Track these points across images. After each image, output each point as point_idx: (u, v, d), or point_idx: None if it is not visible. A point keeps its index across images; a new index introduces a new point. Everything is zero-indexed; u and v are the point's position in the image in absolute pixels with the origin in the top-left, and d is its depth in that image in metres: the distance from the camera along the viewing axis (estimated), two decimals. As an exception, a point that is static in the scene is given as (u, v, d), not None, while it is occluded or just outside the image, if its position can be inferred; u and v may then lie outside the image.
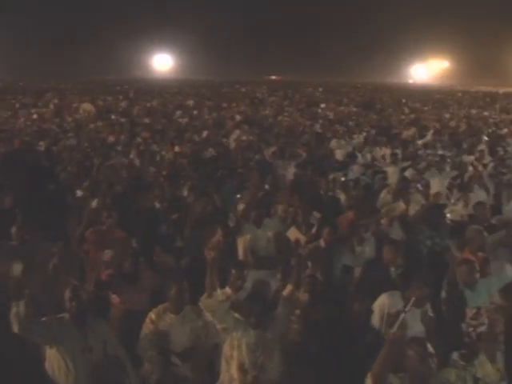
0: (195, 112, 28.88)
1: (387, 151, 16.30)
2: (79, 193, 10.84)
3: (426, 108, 36.45)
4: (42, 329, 5.45)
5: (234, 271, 6.58)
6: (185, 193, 11.16)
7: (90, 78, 62.09)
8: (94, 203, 9.84)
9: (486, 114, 33.22)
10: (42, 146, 16.05)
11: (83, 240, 8.33)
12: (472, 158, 15.80)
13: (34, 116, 24.98)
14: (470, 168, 14.03)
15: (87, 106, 27.95)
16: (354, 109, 34.43)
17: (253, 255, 8.63)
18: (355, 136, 19.95)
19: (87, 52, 68.45)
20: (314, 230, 8.88)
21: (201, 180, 11.98)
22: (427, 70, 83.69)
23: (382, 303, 6.54)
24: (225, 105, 34.09)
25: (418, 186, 11.51)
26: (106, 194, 10.37)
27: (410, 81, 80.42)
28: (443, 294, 7.19)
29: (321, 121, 25.80)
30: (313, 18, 77.24)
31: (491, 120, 28.62)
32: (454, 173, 13.54)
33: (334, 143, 18.16)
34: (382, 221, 9.50)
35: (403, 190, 10.86)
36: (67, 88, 47.20)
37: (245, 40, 77.06)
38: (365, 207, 9.65)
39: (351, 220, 9.13)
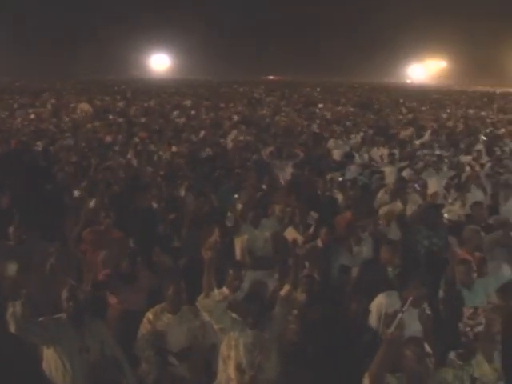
0: (193, 112, 28.86)
1: (385, 151, 16.30)
2: (76, 193, 10.83)
3: (423, 108, 36.47)
4: (39, 329, 5.44)
5: (231, 271, 6.57)
6: (182, 193, 11.15)
7: (88, 77, 62.06)
8: (92, 203, 9.84)
9: (483, 114, 33.25)
10: (39, 146, 16.04)
11: (80, 240, 8.33)
12: (469, 157, 15.81)
13: (32, 116, 24.95)
14: (468, 168, 14.04)
15: (84, 106, 27.94)
16: (352, 109, 34.43)
17: (250, 255, 8.62)
18: (352, 136, 19.95)
19: (84, 52, 68.39)
20: (311, 230, 8.88)
21: (198, 180, 11.97)
22: (425, 70, 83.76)
23: (380, 303, 6.54)
24: (222, 105, 34.08)
25: (416, 185, 11.51)
26: (103, 194, 10.36)
27: (408, 81, 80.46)
28: (441, 293, 7.20)
29: (318, 121, 25.79)
30: (310, 19, 77.30)
31: (488, 120, 28.64)
32: (452, 173, 13.55)
33: (331, 143, 18.15)
34: (380, 221, 9.52)
35: (400, 190, 10.86)
36: (65, 88, 47.16)
37: (242, 40, 77.12)
38: (362, 207, 9.66)
39: (349, 220, 9.13)
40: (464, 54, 68.84)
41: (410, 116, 30.06)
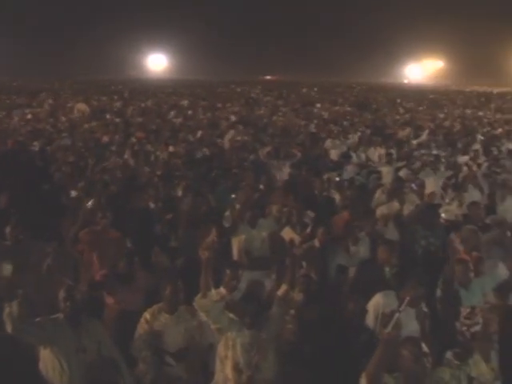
0: (190, 112, 28.84)
1: (382, 151, 16.31)
2: (73, 193, 10.81)
3: (420, 108, 36.48)
4: (35, 329, 5.43)
5: (228, 271, 6.58)
6: (179, 193, 11.14)
7: (85, 77, 62.00)
8: (89, 203, 9.82)
9: (480, 113, 33.28)
10: (36, 146, 16.01)
11: (77, 240, 8.32)
12: (466, 157, 15.83)
13: (29, 116, 24.91)
14: (465, 168, 14.06)
15: (81, 106, 27.88)
16: (349, 109, 34.43)
17: (247, 255, 8.64)
18: (350, 136, 19.95)
19: (82, 52, 68.32)
20: (308, 230, 8.88)
21: (195, 180, 11.96)
22: (422, 70, 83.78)
23: (377, 303, 6.55)
24: (219, 105, 34.05)
25: (413, 185, 11.53)
26: (100, 194, 10.35)
27: (405, 81, 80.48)
28: (438, 292, 7.22)
29: (315, 121, 25.79)
30: (308, 19, 77.29)
31: (486, 120, 28.67)
32: (449, 173, 13.57)
33: (328, 143, 18.14)
34: (378, 222, 9.52)
35: (398, 189, 10.88)
36: (62, 88, 47.10)
37: (240, 40, 77.07)
38: (359, 207, 9.67)
39: (346, 220, 9.14)
40: (461, 53, 68.87)
41: (407, 116, 30.07)
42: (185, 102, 34.98)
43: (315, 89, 54.03)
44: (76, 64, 67.53)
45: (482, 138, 20.47)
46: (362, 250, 8.50)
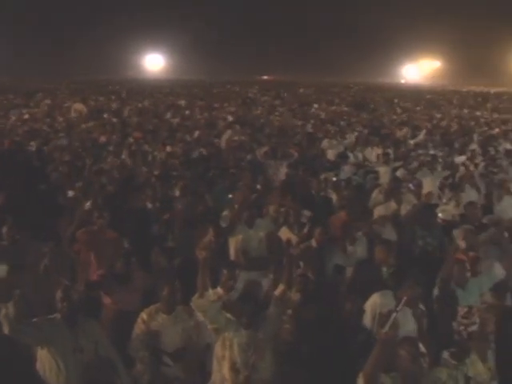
0: (187, 112, 28.81)
1: (379, 151, 16.31)
2: (70, 193, 10.79)
3: (417, 108, 36.48)
4: (32, 329, 5.42)
5: (225, 271, 6.57)
6: (176, 193, 11.13)
7: (82, 78, 61.90)
8: (87, 204, 9.81)
9: (477, 113, 33.28)
10: (33, 146, 15.99)
11: (74, 240, 8.31)
12: (463, 157, 15.84)
13: (26, 116, 24.86)
14: (462, 168, 14.06)
15: (79, 106, 27.83)
16: (346, 108, 34.42)
17: (244, 255, 8.63)
18: (347, 136, 19.94)
19: (79, 52, 68.20)
20: (305, 230, 8.88)
21: (192, 180, 11.95)
22: (419, 70, 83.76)
23: (374, 303, 6.55)
24: (217, 105, 34.02)
25: (410, 185, 11.53)
26: (97, 194, 10.34)
27: (402, 81, 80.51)
28: (435, 292, 7.22)
29: (312, 121, 25.78)
30: (305, 19, 77.24)
31: (483, 120, 28.66)
32: (446, 172, 13.56)
33: (325, 143, 18.14)
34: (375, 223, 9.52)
35: (395, 189, 10.87)
36: (59, 88, 47.00)
37: (237, 40, 76.93)
38: (356, 207, 9.67)
39: (343, 221, 9.14)
40: (458, 54, 68.86)
41: (404, 116, 30.08)
42: (182, 102, 34.93)
43: (312, 89, 53.99)
44: (73, 64, 67.39)
45: (479, 137, 20.49)
46: (360, 249, 8.50)
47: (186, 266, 7.88)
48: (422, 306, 6.48)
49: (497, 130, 23.53)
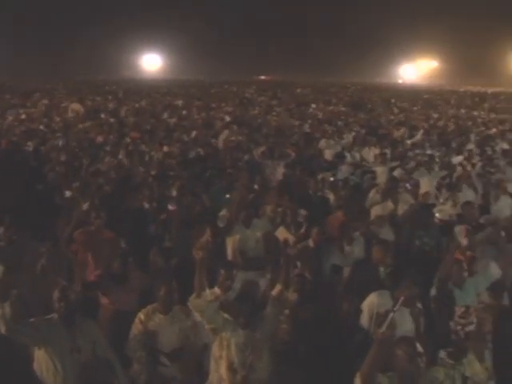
0: (184, 112, 28.79)
1: (376, 151, 16.31)
2: (68, 193, 10.79)
3: (415, 108, 36.51)
4: (29, 330, 5.42)
5: (222, 271, 6.56)
6: (173, 193, 11.12)
7: (79, 78, 61.83)
8: (84, 204, 9.81)
9: (474, 113, 33.33)
10: (30, 146, 15.97)
11: (72, 240, 8.31)
12: (461, 157, 15.86)
13: (23, 116, 24.82)
14: (459, 168, 14.08)
15: (76, 106, 27.79)
16: (343, 108, 34.43)
17: (242, 255, 8.63)
18: (344, 136, 19.94)
19: (76, 52, 68.16)
20: (302, 230, 8.88)
21: (189, 180, 11.95)
22: (416, 70, 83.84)
23: (371, 303, 6.55)
24: (214, 105, 34.00)
25: (407, 185, 11.54)
26: (94, 194, 10.33)
27: (399, 81, 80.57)
28: (433, 292, 7.23)
29: (310, 121, 25.78)
30: (303, 19, 77.23)
31: (480, 120, 28.71)
32: (443, 172, 13.59)
33: (322, 143, 18.13)
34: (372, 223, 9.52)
35: (392, 189, 10.88)
36: (56, 88, 46.94)
37: (234, 40, 76.91)
38: (354, 207, 9.68)
39: (341, 220, 9.14)
40: (455, 53, 68.92)
41: (401, 116, 30.10)
42: (179, 102, 34.91)
43: (309, 89, 53.99)
44: (70, 64, 67.36)
45: (477, 137, 20.52)
46: (357, 249, 8.51)
47: (183, 266, 7.88)
48: (419, 306, 6.48)
49: (494, 130, 23.56)
